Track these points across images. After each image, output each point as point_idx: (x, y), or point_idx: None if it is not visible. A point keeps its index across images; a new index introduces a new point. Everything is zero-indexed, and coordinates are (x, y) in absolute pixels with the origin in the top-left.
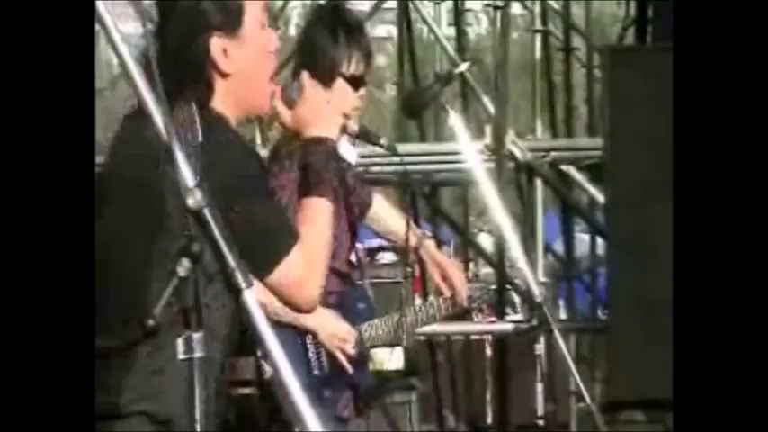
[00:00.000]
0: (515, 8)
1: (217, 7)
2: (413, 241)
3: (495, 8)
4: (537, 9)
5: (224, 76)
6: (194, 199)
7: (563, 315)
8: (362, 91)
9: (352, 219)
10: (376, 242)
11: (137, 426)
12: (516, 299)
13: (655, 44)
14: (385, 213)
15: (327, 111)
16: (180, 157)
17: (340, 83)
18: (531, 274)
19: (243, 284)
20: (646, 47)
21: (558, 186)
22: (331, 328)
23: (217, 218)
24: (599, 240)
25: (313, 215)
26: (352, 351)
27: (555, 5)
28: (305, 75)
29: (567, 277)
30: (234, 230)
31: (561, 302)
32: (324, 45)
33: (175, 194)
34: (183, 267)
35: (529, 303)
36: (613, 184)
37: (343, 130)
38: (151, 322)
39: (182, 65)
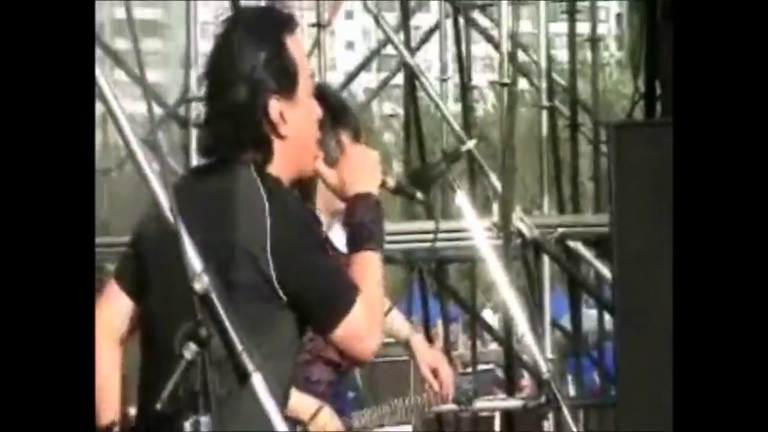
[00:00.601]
0: (522, 84)
1: (275, 72)
2: (404, 334)
3: (502, 85)
4: (543, 85)
5: (281, 138)
6: (201, 283)
7: (571, 391)
8: None
9: None
10: None
11: None
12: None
13: (661, 119)
14: None
15: (368, 167)
16: (186, 240)
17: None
18: (539, 350)
19: (251, 368)
20: (651, 122)
21: (565, 262)
22: (323, 423)
23: (223, 302)
24: (606, 316)
25: (367, 269)
26: None
27: (561, 81)
28: (344, 135)
29: (575, 353)
30: (300, 290)
31: (569, 378)
32: None
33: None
34: (191, 351)
35: (537, 380)
36: (620, 260)
37: (383, 185)
38: (159, 406)
39: (243, 127)
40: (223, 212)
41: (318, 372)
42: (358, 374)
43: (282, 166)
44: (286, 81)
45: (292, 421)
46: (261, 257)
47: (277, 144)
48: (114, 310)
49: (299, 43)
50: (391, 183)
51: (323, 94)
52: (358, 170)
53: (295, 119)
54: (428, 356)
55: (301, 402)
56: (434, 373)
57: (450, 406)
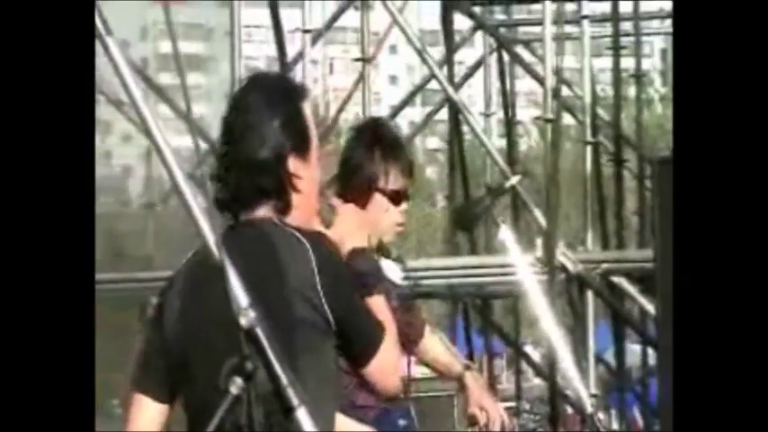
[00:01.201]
0: (566, 119)
1: (292, 133)
2: (456, 369)
3: (546, 120)
4: (588, 120)
5: (297, 192)
6: (247, 318)
7: (615, 426)
8: (404, 205)
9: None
10: None
11: None
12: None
13: None
14: (433, 345)
15: (361, 226)
16: (232, 274)
17: (378, 198)
18: (583, 385)
19: (296, 402)
20: None
21: (609, 297)
22: None
23: (269, 336)
24: (650, 351)
25: (379, 311)
26: None
27: (605, 117)
28: (335, 199)
29: (619, 388)
30: (344, 326)
31: (613, 413)
32: (360, 162)
33: None
34: (236, 386)
35: (580, 415)
36: (664, 295)
37: (379, 249)
38: None
39: (263, 182)
40: (271, 265)
41: (364, 398)
42: (411, 404)
43: (294, 219)
44: (301, 142)
45: None
46: (314, 296)
47: (295, 199)
48: (149, 423)
49: (308, 110)
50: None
51: (378, 127)
52: (350, 229)
53: (307, 177)
54: (478, 395)
55: (348, 427)
56: (483, 411)
57: None
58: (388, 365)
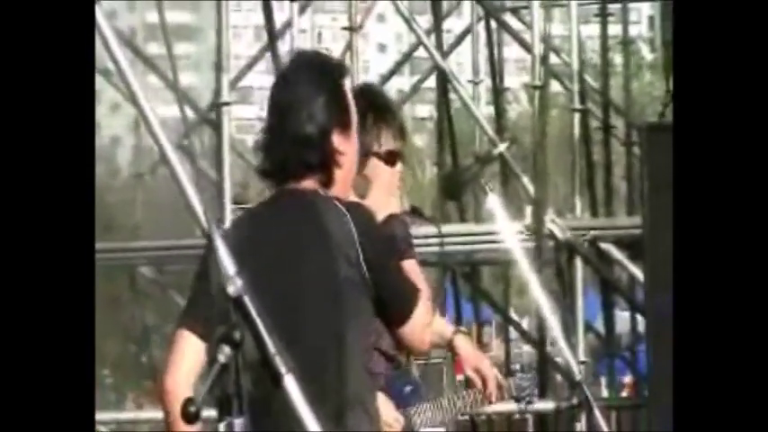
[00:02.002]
0: (554, 86)
1: (336, 110)
2: (447, 335)
3: (534, 87)
4: (576, 88)
5: (339, 167)
6: (235, 286)
7: (604, 392)
8: (399, 166)
9: None
10: None
11: None
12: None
13: None
14: None
15: (393, 194)
16: (220, 243)
17: (374, 161)
18: (571, 353)
19: (283, 370)
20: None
21: (598, 265)
22: (381, 413)
23: (257, 305)
24: (639, 318)
25: (412, 273)
26: None
27: (593, 84)
28: (388, 133)
29: (608, 355)
30: (381, 286)
31: (602, 380)
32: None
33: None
34: (224, 354)
35: (569, 382)
36: (652, 262)
37: (413, 211)
38: (193, 408)
39: (309, 156)
40: (315, 230)
41: (377, 365)
42: (415, 370)
43: (334, 191)
44: (343, 119)
45: None
46: (353, 257)
47: (337, 173)
48: (193, 361)
49: (348, 88)
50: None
51: (368, 93)
52: (384, 197)
53: (347, 152)
54: (472, 357)
55: None
56: (477, 372)
57: (509, 404)
58: (421, 326)
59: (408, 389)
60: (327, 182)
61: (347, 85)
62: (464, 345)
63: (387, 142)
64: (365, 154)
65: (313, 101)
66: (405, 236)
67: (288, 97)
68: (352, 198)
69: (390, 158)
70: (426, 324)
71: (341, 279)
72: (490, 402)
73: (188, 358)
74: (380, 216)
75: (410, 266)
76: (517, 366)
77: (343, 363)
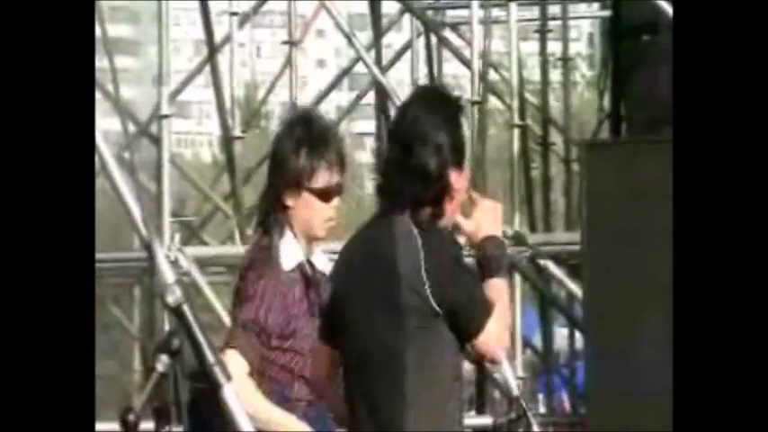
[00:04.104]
0: (493, 102)
1: (454, 146)
2: None
3: (473, 103)
4: (515, 104)
5: (450, 201)
6: (174, 296)
7: (542, 409)
8: (335, 201)
9: None
10: None
11: None
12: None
13: (629, 137)
14: None
15: (496, 218)
16: (160, 253)
17: (306, 195)
18: (510, 369)
19: (222, 380)
20: (621, 140)
21: (537, 280)
22: None
23: (195, 314)
24: (577, 334)
25: (496, 291)
26: None
27: (533, 100)
28: (477, 195)
29: (546, 371)
30: (450, 304)
31: (540, 397)
32: (287, 157)
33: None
34: (163, 363)
35: (507, 398)
36: (591, 278)
37: (312, 243)
38: (132, 417)
39: (428, 186)
40: (387, 256)
41: (297, 390)
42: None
43: (442, 221)
44: (460, 155)
45: None
46: (417, 283)
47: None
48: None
49: (464, 122)
50: (508, 232)
51: (306, 121)
52: (487, 219)
53: (460, 186)
54: None
55: (286, 421)
56: None
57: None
58: (494, 340)
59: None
60: (438, 214)
61: (463, 119)
62: None
63: (323, 176)
64: (295, 185)
65: (433, 138)
66: (498, 255)
67: (409, 132)
68: (458, 217)
69: (325, 195)
70: (498, 339)
71: (402, 304)
72: None
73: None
74: (479, 236)
75: (495, 285)
76: None
77: (400, 386)
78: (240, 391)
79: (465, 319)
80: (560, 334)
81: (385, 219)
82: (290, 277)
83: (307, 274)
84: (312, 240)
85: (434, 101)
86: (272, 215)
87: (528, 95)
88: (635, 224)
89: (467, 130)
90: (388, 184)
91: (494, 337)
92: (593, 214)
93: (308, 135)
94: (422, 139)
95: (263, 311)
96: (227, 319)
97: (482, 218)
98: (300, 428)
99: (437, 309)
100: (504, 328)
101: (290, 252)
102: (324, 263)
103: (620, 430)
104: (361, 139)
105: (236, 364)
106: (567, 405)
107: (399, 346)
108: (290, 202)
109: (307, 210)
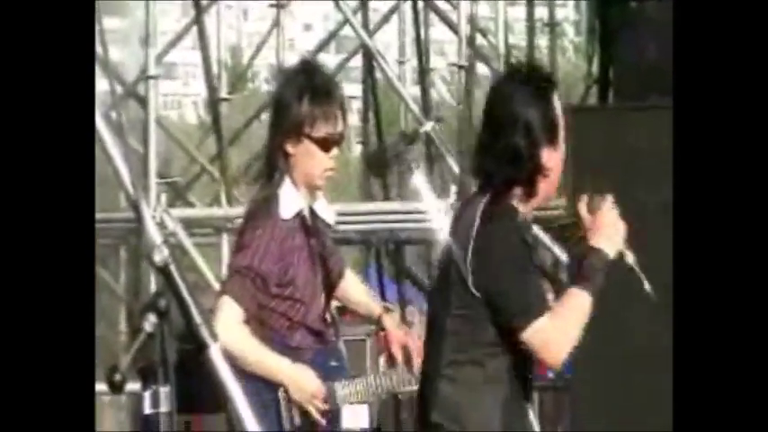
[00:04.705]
0: (480, 68)
1: (546, 125)
2: (376, 313)
3: (460, 68)
4: (501, 69)
5: (545, 179)
6: (161, 255)
7: None
8: (335, 151)
9: (328, 278)
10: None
11: None
12: None
13: (617, 103)
14: (353, 287)
15: (613, 232)
16: (147, 214)
17: (307, 143)
18: None
19: (209, 340)
20: (608, 106)
21: None
22: (302, 383)
23: (182, 274)
24: None
25: (570, 299)
26: (323, 407)
27: None
28: (608, 199)
29: None
30: (493, 294)
31: None
32: (289, 105)
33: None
34: (150, 323)
35: None
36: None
37: (620, 257)
38: (118, 377)
39: (520, 165)
40: (454, 229)
41: (300, 339)
42: (342, 347)
43: (534, 199)
44: (552, 132)
45: (275, 385)
46: (463, 266)
47: (540, 182)
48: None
49: (557, 99)
50: (630, 259)
51: (308, 71)
52: (605, 230)
53: (555, 161)
54: (399, 334)
55: (281, 365)
56: (404, 349)
57: None
58: (542, 340)
59: (334, 364)
60: (531, 194)
61: (556, 96)
62: (392, 323)
63: (323, 125)
64: (296, 133)
65: (522, 116)
66: (594, 270)
67: (501, 111)
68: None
69: (324, 143)
70: (554, 343)
71: (449, 281)
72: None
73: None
74: (593, 239)
75: (575, 294)
76: None
77: (437, 352)
78: (232, 336)
79: (507, 313)
80: None
81: (472, 198)
82: (289, 225)
83: (306, 223)
84: (312, 190)
85: (523, 78)
86: (272, 163)
87: (514, 61)
88: (621, 190)
89: (559, 106)
90: (478, 166)
91: (543, 338)
92: (579, 180)
93: (310, 84)
94: (510, 119)
95: (257, 258)
96: (213, 280)
97: (603, 225)
98: (293, 372)
99: (476, 294)
100: (563, 336)
101: (289, 200)
102: (328, 212)
103: (604, 393)
104: (348, 101)
105: (229, 310)
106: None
107: (443, 315)
108: (290, 149)
109: (307, 158)
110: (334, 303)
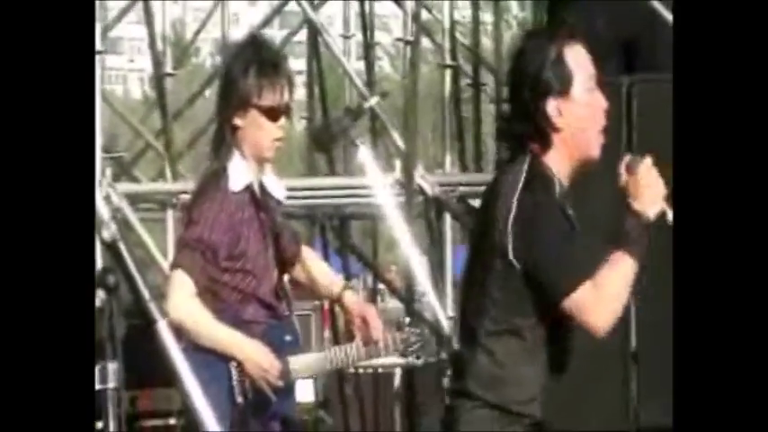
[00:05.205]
0: (425, 42)
1: (554, 75)
2: (336, 289)
3: (406, 43)
4: (446, 44)
5: (557, 131)
6: (109, 231)
7: None
8: (282, 121)
9: (281, 253)
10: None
11: None
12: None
13: None
14: (312, 263)
15: (654, 192)
16: (97, 191)
17: (254, 114)
18: (440, 308)
19: (157, 316)
20: None
21: (467, 220)
22: (254, 357)
23: (131, 250)
24: None
25: (615, 264)
26: (276, 383)
27: (464, 41)
28: (647, 160)
29: None
30: (533, 262)
31: None
32: (236, 77)
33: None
34: (98, 298)
35: (437, 337)
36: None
37: (663, 215)
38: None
39: (525, 123)
40: (492, 196)
41: (252, 312)
42: (296, 320)
43: (559, 156)
44: (563, 82)
45: (227, 358)
46: (503, 230)
47: (555, 137)
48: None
49: (580, 51)
50: (671, 217)
51: (255, 43)
52: (645, 191)
53: (571, 113)
54: (359, 308)
55: (234, 339)
56: (364, 322)
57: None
58: (584, 307)
59: (288, 338)
60: (545, 147)
61: (576, 49)
62: (352, 299)
63: (270, 95)
64: (244, 103)
65: (528, 68)
66: (636, 235)
67: (511, 68)
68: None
69: (272, 113)
70: (595, 309)
71: (488, 244)
72: (373, 356)
73: None
74: (639, 204)
75: (619, 258)
76: (407, 320)
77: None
78: (184, 310)
79: (547, 281)
80: None
81: (508, 166)
82: (239, 198)
83: (256, 196)
84: (262, 162)
85: (533, 36)
86: (220, 137)
87: (459, 36)
88: None
89: (581, 59)
90: (500, 130)
91: (586, 306)
92: None
93: (257, 57)
94: (516, 72)
95: (207, 230)
96: (158, 256)
97: (643, 186)
98: (246, 345)
99: (515, 263)
100: (607, 302)
101: (238, 173)
102: (278, 188)
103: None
104: (295, 75)
105: (181, 284)
106: None
107: (481, 286)
108: (238, 121)
109: (255, 129)
110: (287, 278)
